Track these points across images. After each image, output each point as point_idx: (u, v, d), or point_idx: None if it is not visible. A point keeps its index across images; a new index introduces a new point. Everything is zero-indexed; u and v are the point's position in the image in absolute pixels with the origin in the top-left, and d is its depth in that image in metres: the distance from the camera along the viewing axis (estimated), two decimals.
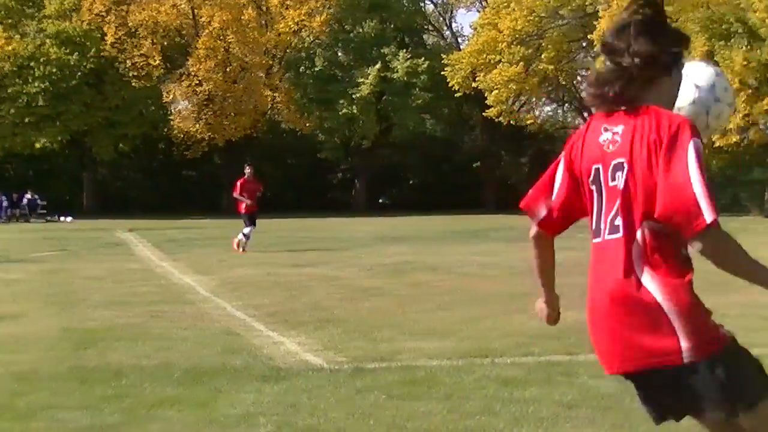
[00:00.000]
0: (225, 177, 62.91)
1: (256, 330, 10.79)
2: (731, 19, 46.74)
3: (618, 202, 3.27)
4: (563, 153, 3.54)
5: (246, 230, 24.37)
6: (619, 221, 3.28)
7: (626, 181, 3.24)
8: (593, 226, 3.42)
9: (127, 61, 57.40)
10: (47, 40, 56.43)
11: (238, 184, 25.12)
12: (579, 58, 63.64)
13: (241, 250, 23.81)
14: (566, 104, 71.36)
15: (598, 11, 55.27)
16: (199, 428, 6.26)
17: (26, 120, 55.96)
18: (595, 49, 57.80)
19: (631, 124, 3.26)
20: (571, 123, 73.83)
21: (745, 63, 44.79)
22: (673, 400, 3.34)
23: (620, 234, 3.27)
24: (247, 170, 25.61)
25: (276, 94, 60.23)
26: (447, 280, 16.46)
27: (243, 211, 24.78)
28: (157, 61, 58.01)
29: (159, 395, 7.18)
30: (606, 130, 3.35)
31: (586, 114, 69.27)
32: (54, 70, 55.74)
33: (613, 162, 3.29)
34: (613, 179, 3.29)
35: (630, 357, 3.28)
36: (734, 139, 45.54)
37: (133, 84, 57.28)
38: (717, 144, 46.18)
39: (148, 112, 59.50)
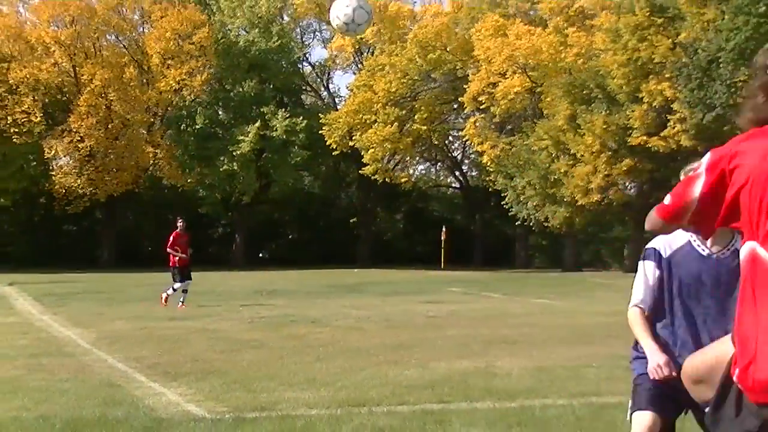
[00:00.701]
0: (106, 231, 62.21)
1: (137, 381, 10.64)
2: (591, 85, 47.96)
3: None
4: (711, 176, 3.28)
5: (176, 285, 23.46)
6: None
7: None
8: None
9: (8, 117, 56.28)
10: None
11: (172, 237, 24.13)
12: (450, 120, 64.63)
13: (166, 302, 22.81)
14: (439, 163, 72.21)
15: (468, 75, 56.31)
16: None
17: None
18: (465, 111, 58.92)
19: None
20: (443, 181, 74.92)
21: (605, 126, 46.02)
22: None
23: None
24: (180, 223, 24.56)
25: (157, 151, 59.71)
26: (325, 333, 16.45)
27: (176, 264, 23.75)
28: (39, 118, 57.05)
29: None
30: None
31: (457, 173, 70.46)
32: None
33: None
34: None
35: None
36: (595, 198, 46.52)
37: (14, 140, 56.12)
38: (580, 203, 47.23)
39: (29, 167, 58.34)
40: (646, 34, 45.25)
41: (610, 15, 49.97)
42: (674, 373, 4.83)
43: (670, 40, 44.80)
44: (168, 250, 24.22)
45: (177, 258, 23.81)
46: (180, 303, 22.84)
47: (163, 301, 22.98)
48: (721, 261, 5.17)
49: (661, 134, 44.26)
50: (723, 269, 5.13)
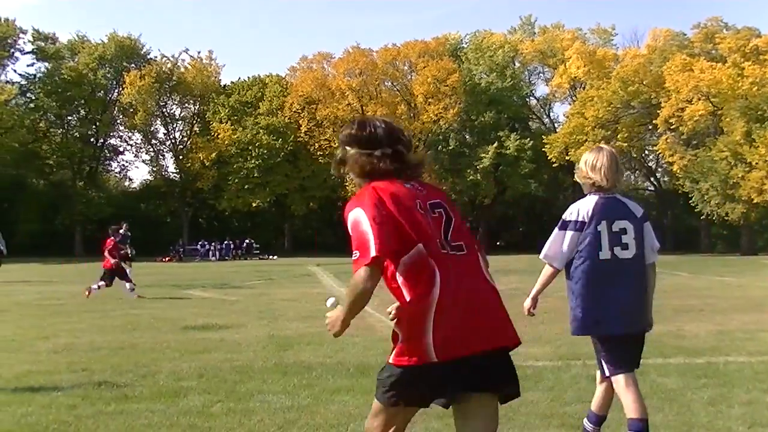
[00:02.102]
0: None
1: None
2: (764, 106, 45.50)
3: None
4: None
5: None
6: None
7: None
8: None
9: (315, 144, 58.70)
10: (260, 131, 58.15)
11: None
12: (646, 138, 62.22)
13: None
14: (637, 171, 69.71)
15: (660, 102, 54.21)
16: (367, 409, 6.22)
17: (245, 187, 57.72)
18: (658, 131, 56.60)
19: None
20: (640, 185, 72.23)
21: None
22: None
23: None
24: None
25: None
26: (548, 302, 15.98)
27: None
28: (337, 144, 59.14)
29: (337, 384, 7.20)
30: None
31: (652, 179, 67.78)
32: (264, 151, 57.41)
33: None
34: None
35: None
36: None
37: (320, 160, 58.39)
38: (755, 201, 45.51)
39: (330, 180, 60.59)
40: None
41: None
42: None
43: None
44: None
45: None
46: None
47: None
48: None
49: None
50: None
